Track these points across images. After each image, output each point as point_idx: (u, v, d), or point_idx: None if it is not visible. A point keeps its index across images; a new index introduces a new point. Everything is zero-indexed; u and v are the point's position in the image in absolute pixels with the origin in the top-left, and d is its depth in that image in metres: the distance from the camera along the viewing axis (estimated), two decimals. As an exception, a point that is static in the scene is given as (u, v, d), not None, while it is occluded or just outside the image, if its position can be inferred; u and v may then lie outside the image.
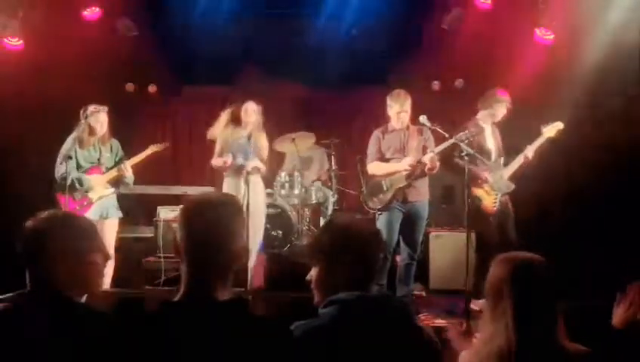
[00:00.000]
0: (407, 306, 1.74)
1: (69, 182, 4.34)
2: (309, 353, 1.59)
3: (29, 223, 1.70)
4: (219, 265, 1.51)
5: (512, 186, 4.48)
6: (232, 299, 1.50)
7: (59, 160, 4.43)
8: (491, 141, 4.55)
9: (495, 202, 4.41)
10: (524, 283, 1.66)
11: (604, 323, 2.03)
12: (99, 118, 4.51)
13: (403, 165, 4.38)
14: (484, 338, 1.71)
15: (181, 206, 1.58)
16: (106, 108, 4.57)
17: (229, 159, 4.71)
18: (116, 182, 4.63)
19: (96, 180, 4.54)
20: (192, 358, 1.40)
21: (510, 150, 4.61)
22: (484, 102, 4.57)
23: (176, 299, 1.50)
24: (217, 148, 4.85)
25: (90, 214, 4.44)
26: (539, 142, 4.53)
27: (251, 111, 4.79)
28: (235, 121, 4.83)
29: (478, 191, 4.39)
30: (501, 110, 4.54)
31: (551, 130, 4.54)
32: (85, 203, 4.48)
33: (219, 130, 4.86)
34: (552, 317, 1.66)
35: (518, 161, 4.50)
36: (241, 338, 1.43)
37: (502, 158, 4.58)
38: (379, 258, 1.77)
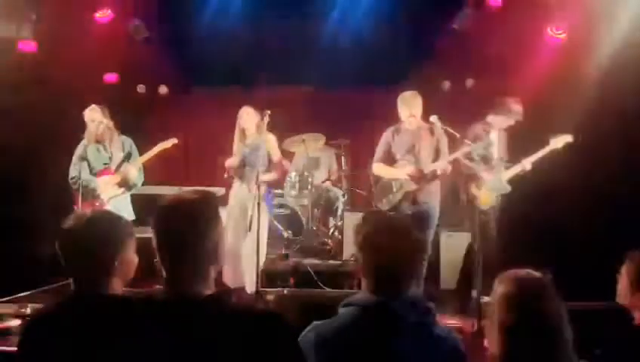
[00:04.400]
0: (429, 313, 1.68)
1: (81, 182, 4.40)
2: (323, 353, 1.59)
3: (67, 223, 1.72)
4: (191, 263, 1.49)
5: (508, 188, 4.45)
6: (211, 295, 1.50)
7: (72, 163, 4.50)
8: (496, 144, 4.52)
9: (491, 200, 4.41)
10: (529, 303, 1.59)
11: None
12: (88, 115, 4.52)
13: (403, 173, 4.39)
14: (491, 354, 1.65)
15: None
16: (93, 106, 4.54)
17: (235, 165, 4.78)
18: (124, 184, 4.62)
19: (106, 181, 4.56)
20: (173, 355, 1.41)
21: (518, 152, 4.55)
22: (498, 109, 4.51)
23: (156, 298, 1.50)
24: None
25: None
26: (541, 153, 4.40)
27: (247, 116, 4.77)
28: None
29: (474, 190, 4.37)
30: (512, 120, 4.50)
31: (559, 141, 4.39)
32: (97, 204, 4.50)
33: (236, 135, 4.89)
34: (564, 334, 1.60)
35: (515, 170, 4.44)
36: (221, 333, 1.42)
37: (503, 161, 4.53)
38: (411, 258, 1.73)
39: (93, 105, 4.57)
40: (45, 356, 1.60)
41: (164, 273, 1.52)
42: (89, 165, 4.54)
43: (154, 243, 1.52)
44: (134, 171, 4.59)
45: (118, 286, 1.73)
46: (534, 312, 1.58)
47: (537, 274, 1.66)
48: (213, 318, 1.44)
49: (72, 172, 4.49)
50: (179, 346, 1.41)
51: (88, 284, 1.69)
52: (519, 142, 4.64)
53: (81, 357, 1.57)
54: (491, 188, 4.40)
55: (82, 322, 1.61)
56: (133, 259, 1.79)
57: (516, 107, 4.46)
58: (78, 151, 4.54)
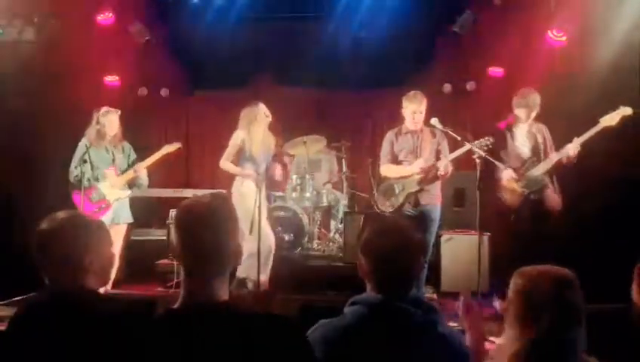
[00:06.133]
0: (434, 312, 1.69)
1: (84, 183, 4.41)
2: (330, 352, 1.60)
3: (44, 224, 1.75)
4: (215, 267, 1.52)
5: (543, 183, 4.25)
6: (231, 299, 1.52)
7: (73, 163, 4.50)
8: (523, 139, 4.38)
9: (518, 200, 4.27)
10: (562, 301, 1.60)
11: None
12: (109, 118, 4.58)
13: (414, 168, 4.38)
14: (507, 346, 1.65)
15: (171, 209, 1.60)
16: (118, 111, 4.64)
17: (253, 171, 4.63)
18: (132, 184, 4.72)
19: (113, 183, 4.61)
20: (188, 359, 1.41)
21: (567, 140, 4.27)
22: (516, 101, 4.35)
23: (177, 303, 1.51)
24: (238, 150, 4.74)
25: (105, 218, 4.50)
26: (587, 135, 4.11)
27: (268, 114, 4.76)
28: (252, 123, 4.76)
29: (501, 191, 4.31)
30: (533, 111, 4.34)
31: (613, 117, 4.04)
32: (103, 205, 4.56)
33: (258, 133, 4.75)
34: (580, 335, 1.61)
35: (551, 161, 4.24)
36: (246, 337, 1.43)
37: (539, 155, 4.32)
38: (415, 260, 1.74)
39: (117, 110, 4.63)
40: (27, 355, 1.60)
41: (183, 274, 1.53)
42: (92, 166, 4.53)
43: (175, 245, 1.54)
44: (145, 172, 4.68)
45: (94, 285, 1.76)
46: (560, 304, 1.59)
47: (560, 268, 1.67)
48: (230, 323, 1.45)
49: (75, 171, 4.49)
50: (195, 350, 1.41)
51: (63, 283, 1.72)
52: (566, 129, 4.41)
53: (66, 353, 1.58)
54: (522, 187, 4.27)
55: (67, 318, 1.62)
56: (107, 259, 1.82)
57: (532, 96, 4.31)
58: (80, 151, 4.52)
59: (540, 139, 4.37)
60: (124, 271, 4.85)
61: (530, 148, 4.36)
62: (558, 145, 4.28)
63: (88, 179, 4.46)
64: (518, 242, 4.27)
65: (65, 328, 1.60)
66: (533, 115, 4.35)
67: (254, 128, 4.70)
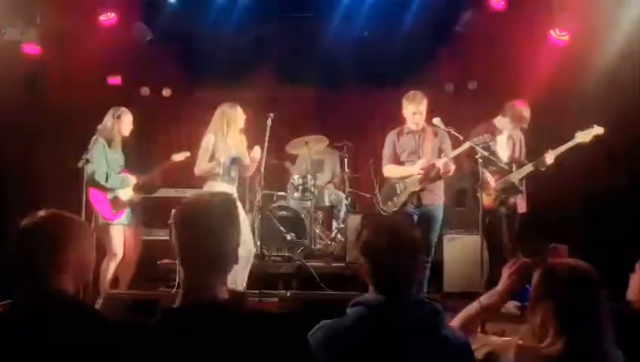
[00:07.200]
0: (436, 313, 1.69)
1: (117, 184, 4.45)
2: (332, 352, 1.60)
3: (23, 222, 1.71)
4: (215, 266, 1.51)
5: (520, 190, 4.41)
6: (231, 298, 1.51)
7: (98, 162, 4.41)
8: (504, 146, 4.50)
9: (494, 203, 4.39)
10: (576, 295, 1.62)
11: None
12: (128, 119, 4.56)
13: (415, 169, 4.39)
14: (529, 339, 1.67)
15: (174, 209, 1.57)
16: (127, 110, 4.60)
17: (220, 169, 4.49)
18: (144, 190, 4.69)
19: (129, 183, 4.60)
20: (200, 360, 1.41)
21: (535, 152, 4.45)
22: (506, 112, 4.48)
23: (177, 302, 1.50)
24: (210, 155, 4.57)
25: (122, 219, 4.53)
26: (565, 147, 4.27)
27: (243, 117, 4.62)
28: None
29: (479, 193, 4.33)
30: (519, 126, 4.49)
31: (586, 135, 4.20)
32: (117, 206, 4.53)
33: (235, 134, 4.63)
34: (601, 324, 1.62)
35: (526, 170, 4.39)
36: (246, 335, 1.43)
37: (516, 162, 4.49)
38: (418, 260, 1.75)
39: (128, 110, 4.58)
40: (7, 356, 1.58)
41: (182, 274, 1.52)
42: (107, 166, 4.48)
43: (175, 243, 1.52)
44: (159, 181, 4.70)
45: (69, 285, 1.69)
46: (573, 298, 1.61)
47: (581, 263, 1.69)
48: (231, 322, 1.45)
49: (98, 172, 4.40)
50: (195, 349, 1.41)
51: (40, 282, 1.66)
52: (542, 138, 4.56)
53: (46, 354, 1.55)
54: (499, 189, 4.36)
55: (48, 320, 1.59)
56: (86, 259, 1.76)
57: (525, 113, 4.42)
58: (102, 152, 4.42)
59: (517, 147, 4.53)
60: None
61: (509, 155, 4.49)
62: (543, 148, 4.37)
63: (114, 179, 4.46)
64: (492, 242, 4.38)
65: (43, 332, 1.56)
66: (517, 129, 4.50)
67: (230, 130, 4.50)
